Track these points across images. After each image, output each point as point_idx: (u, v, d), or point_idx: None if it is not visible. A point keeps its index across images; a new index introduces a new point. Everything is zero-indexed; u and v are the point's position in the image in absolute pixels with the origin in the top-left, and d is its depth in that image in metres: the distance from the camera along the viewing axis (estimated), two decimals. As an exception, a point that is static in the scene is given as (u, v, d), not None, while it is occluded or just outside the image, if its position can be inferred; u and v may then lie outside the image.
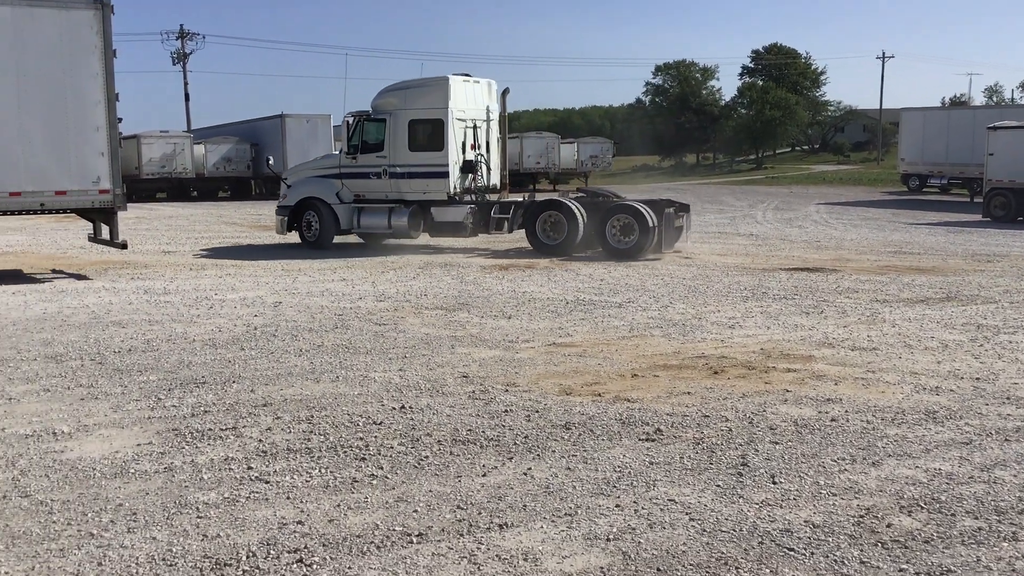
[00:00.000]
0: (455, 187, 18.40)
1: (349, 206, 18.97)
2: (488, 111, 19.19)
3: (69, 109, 14.16)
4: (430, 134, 18.35)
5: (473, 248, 19.14)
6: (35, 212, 14.56)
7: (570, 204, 17.91)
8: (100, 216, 15.28)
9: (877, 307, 11.40)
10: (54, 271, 15.58)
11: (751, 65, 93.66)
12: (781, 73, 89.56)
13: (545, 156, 54.27)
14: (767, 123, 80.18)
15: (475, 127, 18.76)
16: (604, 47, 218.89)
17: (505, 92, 19.53)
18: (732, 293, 12.64)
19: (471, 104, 18.70)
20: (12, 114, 13.84)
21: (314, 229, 19.17)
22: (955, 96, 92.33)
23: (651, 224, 16.99)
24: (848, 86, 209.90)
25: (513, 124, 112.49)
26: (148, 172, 43.63)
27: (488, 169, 19.26)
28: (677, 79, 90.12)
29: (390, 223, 18.64)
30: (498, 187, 19.61)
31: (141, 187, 42.53)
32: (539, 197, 19.57)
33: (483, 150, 19.02)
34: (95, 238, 16.13)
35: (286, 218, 19.40)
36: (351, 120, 18.88)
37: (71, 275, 15.01)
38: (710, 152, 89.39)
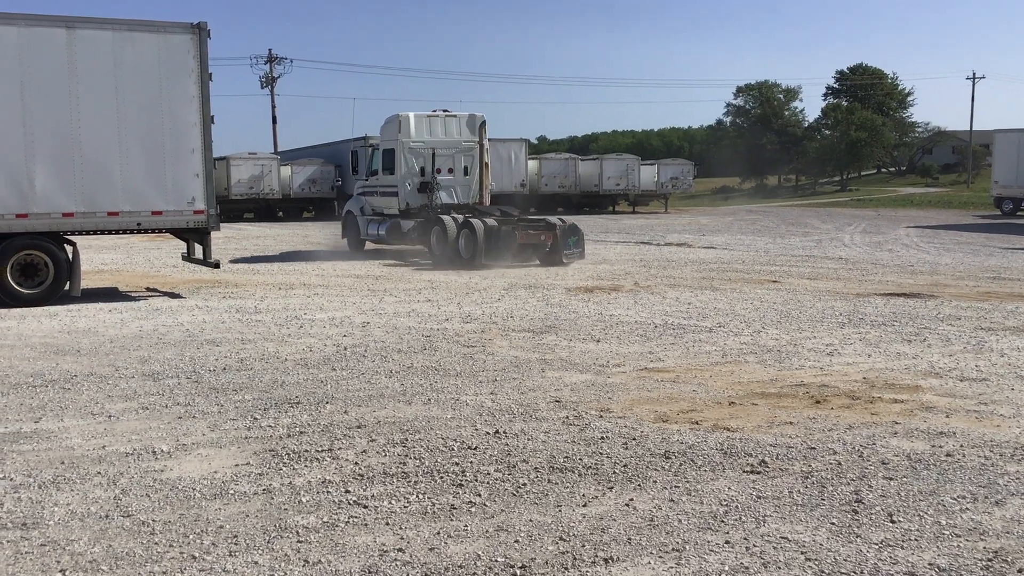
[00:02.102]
0: (407, 203, 22.01)
1: (365, 218, 23.58)
2: (465, 140, 22.44)
3: (166, 131, 14.50)
4: (391, 160, 22.42)
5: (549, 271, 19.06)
6: (132, 231, 14.92)
7: (447, 219, 20.31)
8: (194, 236, 15.58)
9: (982, 335, 10.94)
10: (148, 289, 15.94)
11: (836, 86, 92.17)
12: (867, 94, 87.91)
13: (625, 178, 53.99)
14: (852, 144, 78.72)
15: (434, 154, 22.07)
16: (684, 68, 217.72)
17: (482, 124, 22.37)
18: (827, 318, 12.28)
19: (433, 135, 22.24)
20: (112, 136, 14.22)
21: (349, 237, 24.50)
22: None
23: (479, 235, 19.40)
24: (937, 107, 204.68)
25: (591, 146, 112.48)
26: (237, 193, 44.67)
27: (450, 189, 22.38)
28: (759, 100, 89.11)
29: (378, 232, 22.74)
30: (477, 203, 22.20)
31: (230, 207, 43.56)
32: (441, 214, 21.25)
33: (458, 174, 22.42)
34: (189, 257, 16.46)
35: (341, 227, 25.08)
36: (358, 150, 24.12)
37: (165, 293, 15.33)
38: (792, 174, 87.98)
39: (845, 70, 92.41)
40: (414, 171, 22.10)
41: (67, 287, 14.07)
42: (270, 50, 65.63)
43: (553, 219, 20.69)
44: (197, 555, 4.62)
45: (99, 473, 5.88)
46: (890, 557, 4.56)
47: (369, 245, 24.56)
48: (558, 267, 19.80)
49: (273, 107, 64.37)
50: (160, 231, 15.42)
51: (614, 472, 5.88)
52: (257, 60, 65.15)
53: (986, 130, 57.88)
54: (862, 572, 4.39)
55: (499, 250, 19.55)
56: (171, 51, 14.46)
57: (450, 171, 22.35)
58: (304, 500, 5.37)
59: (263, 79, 64.42)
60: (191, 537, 4.85)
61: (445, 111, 22.67)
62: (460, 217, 20.26)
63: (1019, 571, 4.41)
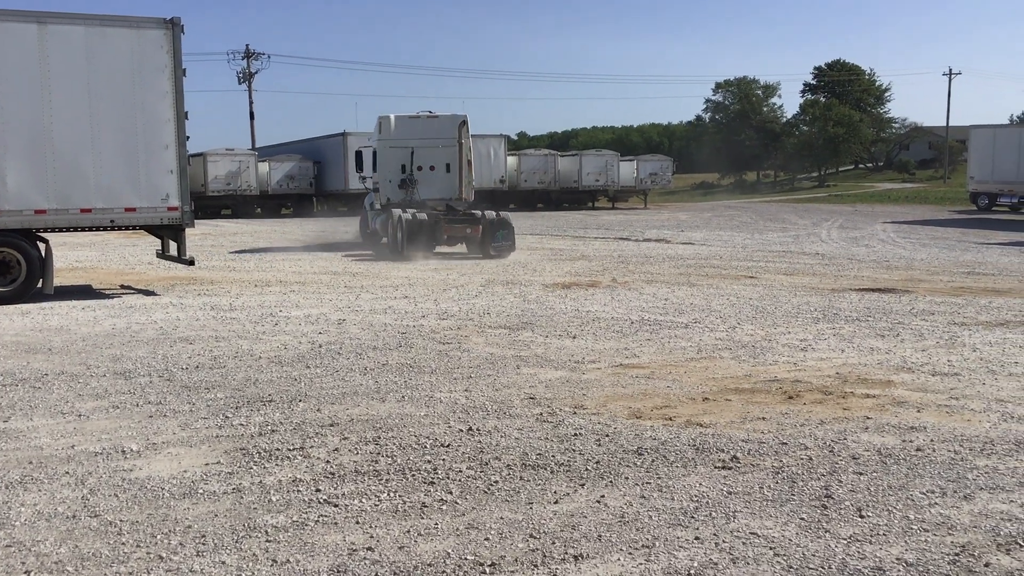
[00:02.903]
0: (387, 199, 23.28)
1: (372, 212, 24.79)
2: (446, 140, 23.43)
3: (139, 127, 14.38)
4: (374, 159, 24.00)
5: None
6: (105, 228, 14.80)
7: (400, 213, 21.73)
8: (168, 233, 15.48)
9: (955, 330, 11.02)
10: (122, 287, 15.82)
11: (813, 82, 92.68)
12: (844, 90, 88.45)
13: (604, 174, 54.11)
14: (830, 140, 79.21)
15: (413, 153, 23.31)
16: (664, 64, 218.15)
17: (462, 124, 23.47)
18: (802, 314, 12.34)
19: (414, 135, 23.45)
20: (84, 132, 14.09)
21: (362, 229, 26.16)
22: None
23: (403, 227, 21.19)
24: (913, 103, 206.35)
25: (571, 142, 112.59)
26: (214, 189, 44.43)
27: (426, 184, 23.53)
28: (738, 96, 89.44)
29: (375, 225, 24.17)
30: (459, 198, 23.44)
31: (207, 204, 43.33)
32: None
33: (440, 171, 23.53)
34: (163, 254, 16.35)
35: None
36: (362, 149, 25.19)
37: (139, 291, 15.22)
38: (771, 170, 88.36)
39: (823, 66, 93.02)
40: (394, 169, 23.40)
41: (40, 285, 13.95)
42: (247, 45, 65.46)
43: (481, 213, 21.92)
44: (164, 555, 4.58)
45: (67, 473, 5.82)
46: (858, 552, 4.57)
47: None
48: (492, 260, 20.97)
49: (251, 103, 64.11)
50: (134, 228, 15.30)
51: (586, 469, 5.88)
52: (234, 55, 64.84)
53: (962, 126, 58.41)
54: (830, 567, 4.40)
55: (425, 242, 21.13)
56: (144, 46, 14.34)
57: (432, 168, 23.55)
58: (274, 499, 5.33)
59: (240, 75, 64.12)
60: (158, 537, 4.80)
61: (428, 113, 23.95)
62: (398, 211, 21.81)
63: (986, 565, 4.44)
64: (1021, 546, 4.65)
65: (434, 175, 23.56)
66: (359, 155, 25.43)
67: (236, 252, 23.96)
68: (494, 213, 22.02)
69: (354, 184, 45.34)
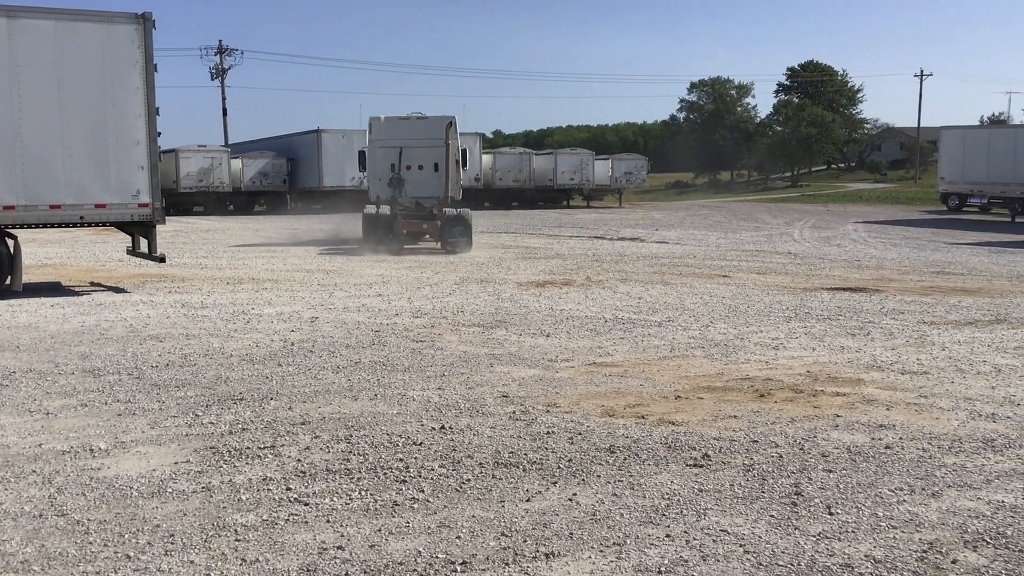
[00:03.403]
0: (376, 196, 23.98)
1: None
2: (434, 140, 23.89)
3: (109, 123, 14.24)
4: (365, 158, 25.25)
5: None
6: (74, 225, 14.64)
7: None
8: (139, 229, 15.34)
9: (925, 329, 11.12)
10: (92, 284, 15.65)
11: (787, 82, 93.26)
12: (817, 90, 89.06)
13: (579, 172, 54.17)
14: (803, 140, 79.71)
15: (401, 152, 24.15)
16: (638, 64, 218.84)
17: (449, 125, 23.97)
18: (774, 313, 12.41)
19: (405, 137, 24.31)
20: (53, 127, 13.94)
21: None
22: (993, 114, 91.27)
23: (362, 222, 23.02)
24: (885, 104, 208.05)
25: (546, 140, 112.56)
26: (186, 186, 44.08)
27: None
28: (712, 96, 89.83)
29: None
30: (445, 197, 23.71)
31: (179, 201, 42.98)
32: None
33: (428, 170, 24.18)
34: (134, 251, 16.20)
35: None
36: (365, 148, 25.64)
37: (109, 288, 15.07)
38: (745, 169, 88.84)
39: (796, 67, 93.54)
40: (384, 168, 24.25)
41: (8, 282, 13.77)
42: (220, 41, 64.75)
43: (440, 210, 22.54)
44: (132, 554, 4.54)
45: (34, 471, 5.75)
46: (827, 549, 4.60)
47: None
48: (445, 255, 21.55)
49: (223, 99, 63.67)
50: (104, 225, 15.14)
51: (558, 467, 5.88)
52: (207, 51, 64.37)
53: (933, 127, 58.89)
54: (799, 564, 4.43)
55: (382, 236, 22.28)
56: (115, 41, 14.20)
57: (420, 168, 24.36)
58: (244, 498, 5.29)
59: (213, 70, 63.66)
60: (126, 536, 4.76)
61: (419, 114, 24.87)
62: (369, 207, 23.07)
63: (953, 562, 4.48)
64: (988, 543, 4.70)
65: (423, 174, 24.28)
66: (361, 154, 26.28)
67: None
68: (454, 211, 22.61)
69: (328, 181, 45.33)
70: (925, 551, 4.60)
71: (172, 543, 4.67)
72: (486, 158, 50.42)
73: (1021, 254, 23.26)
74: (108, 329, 10.92)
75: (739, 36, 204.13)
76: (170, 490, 5.43)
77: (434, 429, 6.71)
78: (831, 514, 5.07)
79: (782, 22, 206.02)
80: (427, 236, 22.71)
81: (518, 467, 5.89)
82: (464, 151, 25.68)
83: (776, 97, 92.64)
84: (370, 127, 24.92)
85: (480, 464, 5.94)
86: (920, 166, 77.32)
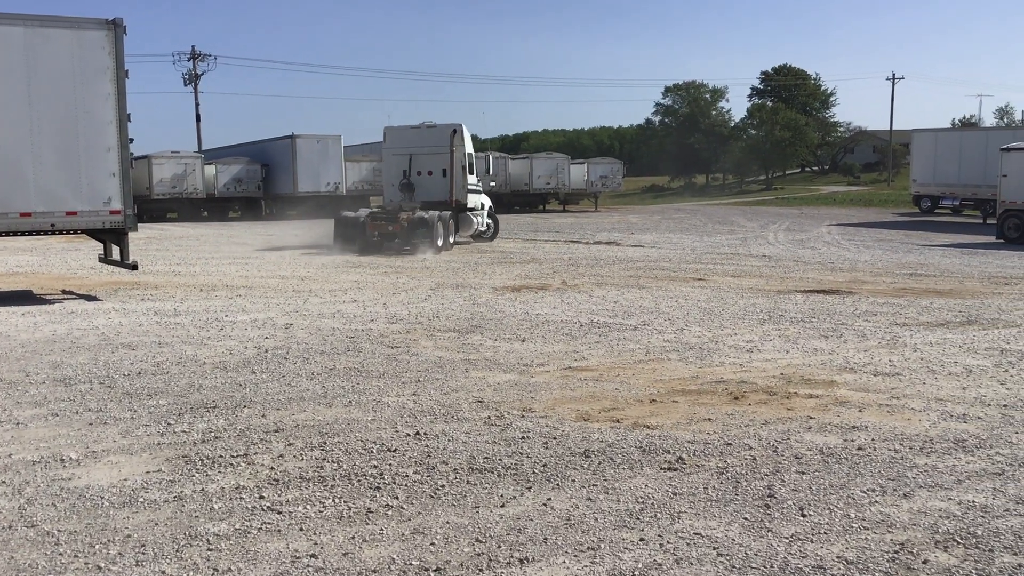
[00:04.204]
0: (390, 200, 25.92)
1: None
2: (441, 147, 25.46)
3: (80, 130, 14.12)
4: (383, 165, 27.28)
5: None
6: (46, 233, 14.51)
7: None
8: (111, 237, 15.20)
9: (897, 331, 11.22)
10: (64, 292, 15.50)
11: (761, 86, 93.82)
12: (791, 94, 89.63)
13: (555, 176, 54.24)
14: (777, 144, 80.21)
15: (411, 159, 25.81)
16: (613, 68, 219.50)
17: (453, 132, 25.43)
18: (748, 315, 12.47)
19: (417, 144, 25.87)
20: (24, 134, 13.80)
21: None
22: (965, 117, 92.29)
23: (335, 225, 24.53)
24: (858, 107, 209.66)
25: (522, 145, 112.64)
26: (159, 193, 43.71)
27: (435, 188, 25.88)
28: (687, 100, 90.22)
29: None
30: (451, 201, 25.51)
31: (152, 207, 42.64)
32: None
33: (437, 176, 25.62)
34: (105, 259, 16.05)
35: None
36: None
37: (81, 296, 14.93)
38: (720, 173, 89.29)
39: (770, 71, 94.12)
40: (396, 174, 26.09)
41: (-23, 290, 13.61)
42: (193, 47, 64.38)
43: (409, 213, 23.63)
44: (103, 565, 4.50)
45: (4, 482, 5.68)
46: (800, 551, 4.63)
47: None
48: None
49: (197, 104, 63.21)
50: (75, 232, 15.01)
51: (533, 472, 5.88)
52: (180, 57, 63.89)
53: (905, 129, 59.38)
54: (772, 566, 4.45)
55: (354, 238, 23.58)
56: (85, 48, 14.08)
57: (429, 173, 25.87)
58: (216, 507, 5.26)
59: (186, 76, 63.22)
60: (97, 547, 4.71)
61: (429, 123, 26.19)
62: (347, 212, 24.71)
63: (924, 562, 4.51)
64: (959, 543, 4.74)
65: (432, 180, 25.83)
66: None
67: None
68: (424, 214, 23.48)
69: (303, 187, 45.13)
70: (897, 552, 4.63)
71: (143, 553, 4.63)
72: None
73: (992, 255, 23.52)
74: (80, 338, 10.81)
75: (714, 40, 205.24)
76: (141, 500, 5.38)
77: (409, 435, 6.69)
78: (804, 516, 5.10)
79: (756, 26, 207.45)
80: (396, 239, 23.54)
81: (493, 472, 5.88)
82: (486, 156, 27.48)
83: (750, 101, 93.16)
84: (384, 136, 26.62)
85: (455, 470, 5.92)
86: (893, 169, 77.99)
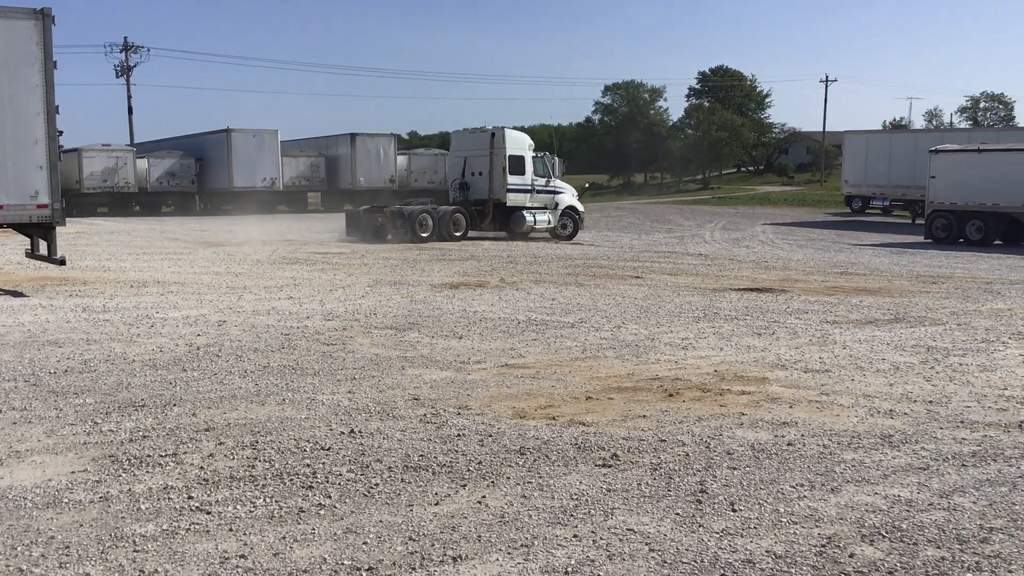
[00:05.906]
0: (452, 198, 29.10)
1: None
2: (486, 149, 28.24)
3: (7, 121, 13.73)
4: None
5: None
6: (-31, 226, 14.08)
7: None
8: (38, 231, 14.81)
9: (827, 328, 11.43)
10: (-12, 287, 15.06)
11: (698, 87, 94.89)
12: (727, 95, 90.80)
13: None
14: (713, 144, 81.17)
15: (466, 161, 28.80)
16: (553, 66, 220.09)
17: (492, 135, 28.13)
18: (684, 313, 12.61)
19: (471, 147, 28.77)
20: (-54, 125, 13.38)
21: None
22: (895, 120, 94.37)
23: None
24: (792, 109, 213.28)
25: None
26: (89, 186, 42.76)
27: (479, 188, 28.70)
28: (626, 99, 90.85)
29: None
30: (489, 198, 28.13)
31: (82, 201, 41.67)
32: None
33: (486, 175, 28.23)
34: (32, 254, 15.64)
35: None
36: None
37: (6, 292, 14.51)
38: (658, 172, 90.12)
39: (707, 72, 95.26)
40: (457, 175, 29.38)
41: None
42: (125, 38, 63.07)
43: (395, 206, 27.32)
44: (25, 568, 4.38)
45: (-80, 485, 5.50)
46: (730, 545, 4.69)
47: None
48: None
49: (129, 97, 61.95)
50: (1, 226, 14.59)
51: (468, 470, 5.87)
52: (112, 48, 62.58)
53: (838, 131, 60.56)
54: (702, 561, 4.50)
55: (359, 228, 27.17)
56: (12, 37, 13.70)
57: (480, 174, 28.55)
58: (143, 507, 5.15)
59: (118, 68, 61.93)
60: (19, 549, 4.58)
61: (481, 128, 28.72)
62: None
63: (851, 556, 4.60)
64: (884, 537, 4.84)
65: (482, 179, 28.51)
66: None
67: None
68: (408, 208, 26.82)
69: (239, 182, 44.49)
70: (824, 545, 4.71)
71: (67, 555, 4.52)
72: (401, 159, 50.07)
73: (921, 255, 24.11)
74: (4, 334, 10.52)
75: (653, 40, 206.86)
76: (66, 500, 5.25)
77: (343, 433, 6.63)
78: (734, 511, 5.17)
79: (695, 27, 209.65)
80: (385, 228, 26.37)
81: (428, 470, 5.85)
82: (542, 157, 29.06)
83: (688, 101, 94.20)
84: (451, 139, 30.79)
85: (389, 468, 5.89)
86: (825, 169, 79.46)
